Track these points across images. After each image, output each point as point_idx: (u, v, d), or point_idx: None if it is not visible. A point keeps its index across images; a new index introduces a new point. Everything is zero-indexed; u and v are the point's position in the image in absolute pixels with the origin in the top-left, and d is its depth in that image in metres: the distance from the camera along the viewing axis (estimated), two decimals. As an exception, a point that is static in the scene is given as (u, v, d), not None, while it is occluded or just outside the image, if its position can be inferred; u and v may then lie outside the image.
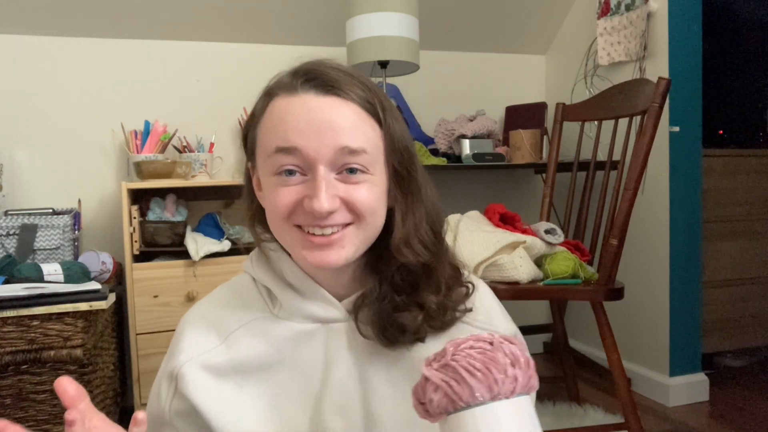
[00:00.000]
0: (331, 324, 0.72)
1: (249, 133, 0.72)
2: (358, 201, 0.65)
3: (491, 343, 0.55)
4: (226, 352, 0.70)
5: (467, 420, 0.54)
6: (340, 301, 0.72)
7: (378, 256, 0.71)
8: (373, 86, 0.70)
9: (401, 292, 0.70)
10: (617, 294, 1.45)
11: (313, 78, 0.67)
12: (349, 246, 0.66)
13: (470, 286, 0.75)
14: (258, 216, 0.74)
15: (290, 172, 0.65)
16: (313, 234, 0.65)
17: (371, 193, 0.66)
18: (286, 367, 0.71)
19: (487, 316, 0.75)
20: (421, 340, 0.71)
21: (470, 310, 0.74)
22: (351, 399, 0.70)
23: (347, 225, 0.66)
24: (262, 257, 0.75)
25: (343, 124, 0.64)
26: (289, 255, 0.72)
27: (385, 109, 0.68)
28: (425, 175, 0.73)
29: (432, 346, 0.72)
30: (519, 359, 0.55)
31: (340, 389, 0.70)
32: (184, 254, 1.82)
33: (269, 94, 0.69)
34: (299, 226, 0.66)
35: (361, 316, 0.71)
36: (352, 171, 0.65)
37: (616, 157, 1.80)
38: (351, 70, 0.70)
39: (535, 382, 0.55)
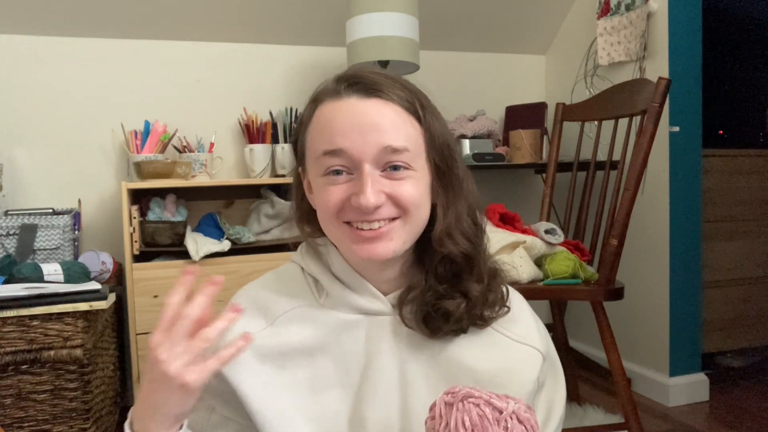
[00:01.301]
0: (374, 316, 0.74)
1: (298, 139, 0.76)
2: (403, 195, 0.68)
3: (500, 412, 0.58)
4: (273, 335, 0.72)
5: None
6: (386, 296, 0.74)
7: (423, 250, 0.74)
8: (412, 87, 0.73)
9: (444, 282, 0.73)
10: (617, 294, 1.45)
11: (356, 82, 0.70)
12: (396, 239, 0.69)
13: (506, 289, 0.78)
14: (306, 216, 0.78)
15: (337, 172, 0.69)
16: (362, 229, 0.68)
17: (415, 187, 0.69)
18: (328, 355, 0.73)
19: (524, 330, 0.77)
20: (464, 330, 0.73)
21: (509, 309, 0.77)
22: (390, 392, 0.72)
23: (393, 219, 0.69)
24: (311, 249, 0.79)
25: (385, 124, 0.68)
26: (337, 250, 0.75)
27: (425, 107, 0.72)
28: (466, 170, 0.77)
29: (469, 348, 0.74)
30: None
31: (379, 381, 0.72)
32: (184, 254, 1.82)
33: (315, 100, 0.73)
34: (348, 223, 0.69)
35: (405, 309, 0.73)
36: (395, 168, 0.68)
37: (616, 157, 1.80)
38: (391, 74, 0.73)
39: None
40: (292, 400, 0.70)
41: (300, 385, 0.71)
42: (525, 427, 0.57)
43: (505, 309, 0.76)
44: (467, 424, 0.56)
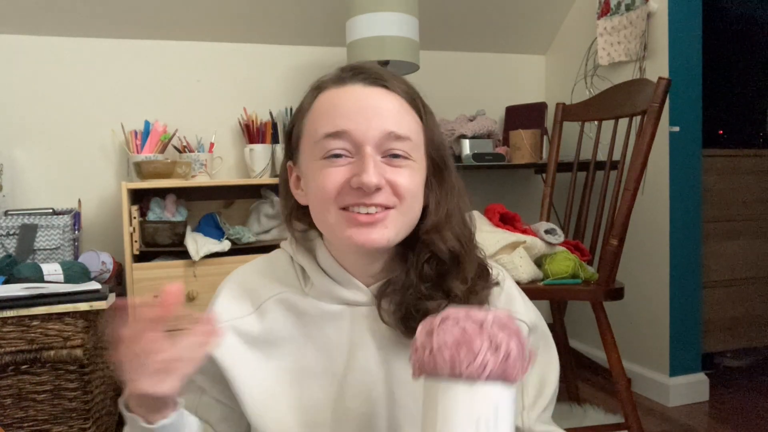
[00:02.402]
0: (357, 307, 0.74)
1: (294, 128, 0.75)
2: (401, 184, 0.68)
3: (481, 325, 0.56)
4: (258, 320, 0.73)
5: (429, 389, 0.57)
6: (368, 287, 0.74)
7: (408, 246, 0.73)
8: (414, 87, 0.74)
9: (427, 281, 0.72)
10: (617, 294, 1.45)
11: (361, 72, 0.71)
12: (391, 227, 0.69)
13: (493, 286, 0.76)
14: (294, 212, 0.78)
15: (338, 155, 0.68)
16: (359, 213, 0.68)
17: (413, 178, 0.69)
18: (311, 345, 0.73)
19: (508, 304, 0.77)
20: None
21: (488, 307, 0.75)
22: (374, 382, 0.72)
23: (389, 208, 0.68)
24: (301, 241, 0.78)
25: (390, 110, 0.69)
26: (324, 246, 0.75)
27: (425, 105, 0.73)
28: (457, 174, 0.77)
29: None
30: (500, 348, 0.55)
31: (363, 372, 0.72)
32: (184, 254, 1.82)
33: (318, 88, 0.73)
34: (345, 209, 0.68)
35: (384, 302, 0.73)
36: (396, 156, 0.68)
37: (616, 157, 1.80)
38: (393, 72, 0.74)
39: (514, 375, 0.55)
40: (276, 387, 0.71)
41: (284, 373, 0.72)
42: (508, 333, 0.56)
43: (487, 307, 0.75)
44: (449, 341, 0.55)
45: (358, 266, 0.74)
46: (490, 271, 0.77)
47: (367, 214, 0.67)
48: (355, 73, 0.71)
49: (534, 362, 0.76)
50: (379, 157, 0.68)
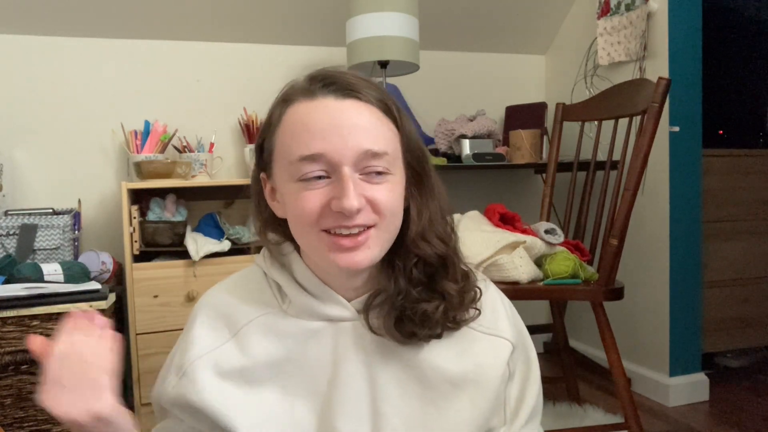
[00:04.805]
0: (339, 323, 0.72)
1: (265, 142, 0.72)
2: (381, 201, 0.66)
3: None
4: (236, 347, 0.71)
5: None
6: (350, 302, 0.73)
7: (392, 253, 0.72)
8: (383, 89, 0.72)
9: (418, 285, 0.71)
10: (617, 294, 1.45)
11: (331, 83, 0.68)
12: (374, 247, 0.67)
13: (478, 290, 0.76)
14: (269, 224, 0.76)
15: (315, 177, 0.66)
16: (341, 235, 0.66)
17: (392, 193, 0.68)
18: (293, 365, 0.71)
19: (494, 321, 0.76)
20: (438, 336, 0.72)
21: (479, 312, 0.75)
22: (359, 398, 0.71)
23: (369, 227, 0.67)
24: (275, 256, 0.76)
25: (364, 126, 0.66)
26: (301, 258, 0.73)
27: (399, 109, 0.71)
28: (435, 172, 0.75)
29: (440, 350, 0.73)
30: None
31: (347, 388, 0.71)
32: (184, 254, 1.82)
33: (286, 100, 0.69)
34: (326, 231, 0.66)
35: (372, 314, 0.71)
36: (374, 173, 0.66)
37: (616, 157, 1.80)
38: (362, 75, 0.71)
39: None
40: (260, 414, 0.69)
41: (268, 398, 0.70)
42: None
43: (477, 312, 0.75)
44: None
45: (340, 280, 0.72)
46: (466, 270, 0.76)
47: (350, 236, 0.66)
48: (326, 84, 0.67)
49: (513, 379, 0.76)
50: (358, 175, 0.66)
